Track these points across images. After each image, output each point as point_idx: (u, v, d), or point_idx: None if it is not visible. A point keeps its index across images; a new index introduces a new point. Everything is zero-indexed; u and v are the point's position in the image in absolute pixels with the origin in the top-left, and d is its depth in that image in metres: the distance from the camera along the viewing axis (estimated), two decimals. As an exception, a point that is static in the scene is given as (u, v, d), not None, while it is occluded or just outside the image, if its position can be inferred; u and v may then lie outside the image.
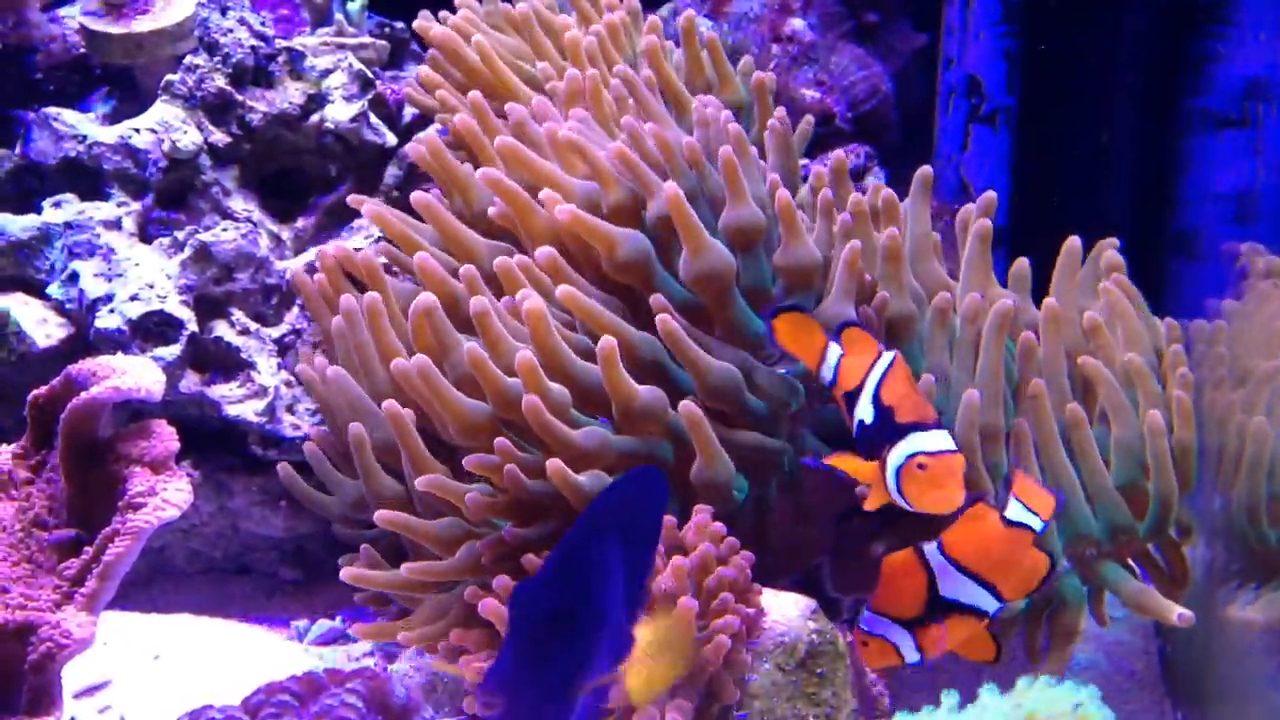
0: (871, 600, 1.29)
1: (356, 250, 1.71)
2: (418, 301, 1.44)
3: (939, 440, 1.26)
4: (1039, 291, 1.66)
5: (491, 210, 1.57)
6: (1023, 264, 1.66)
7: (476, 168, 1.62)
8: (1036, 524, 1.27)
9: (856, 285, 1.49)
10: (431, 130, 1.83)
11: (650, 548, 1.12)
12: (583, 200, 1.52)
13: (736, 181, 1.47)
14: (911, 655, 1.27)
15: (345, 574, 1.48)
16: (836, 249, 1.52)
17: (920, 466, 1.25)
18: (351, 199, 1.73)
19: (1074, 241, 1.65)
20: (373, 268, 1.59)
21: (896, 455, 1.26)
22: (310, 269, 1.77)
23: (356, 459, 1.50)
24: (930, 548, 1.28)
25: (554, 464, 1.34)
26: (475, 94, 1.68)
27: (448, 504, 1.43)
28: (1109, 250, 1.68)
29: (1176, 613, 1.40)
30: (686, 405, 1.38)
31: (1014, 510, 1.28)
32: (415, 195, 1.60)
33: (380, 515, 1.43)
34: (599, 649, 1.00)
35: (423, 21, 1.92)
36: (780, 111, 1.68)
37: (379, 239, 1.83)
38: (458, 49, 1.83)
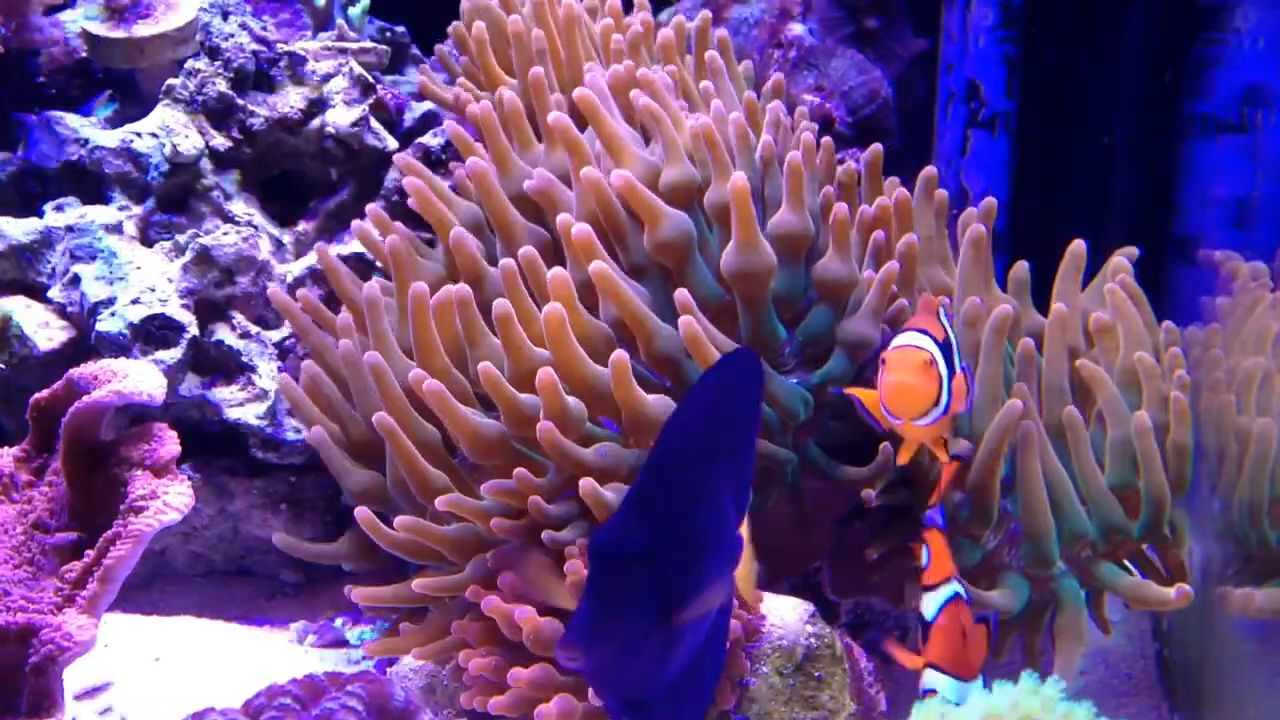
0: (950, 667, 1.27)
1: (356, 255, 1.72)
2: (448, 291, 1.45)
3: (910, 338, 1.27)
4: (1037, 295, 1.66)
5: (528, 185, 1.57)
6: (1021, 267, 1.66)
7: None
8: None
9: (886, 306, 1.50)
10: (451, 123, 1.83)
11: (750, 436, 1.04)
12: (643, 170, 1.51)
13: (799, 189, 1.47)
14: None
15: (354, 594, 1.49)
16: (866, 265, 1.53)
17: (882, 361, 1.27)
18: (398, 158, 1.71)
19: (1078, 244, 1.65)
20: (399, 254, 1.58)
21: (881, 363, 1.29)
22: (290, 288, 1.78)
23: (395, 449, 1.48)
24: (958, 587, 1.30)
25: (586, 484, 1.34)
26: (534, 71, 1.67)
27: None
28: (1115, 255, 1.68)
29: (1174, 591, 1.41)
30: None
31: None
32: (471, 161, 1.60)
33: (400, 521, 1.43)
34: (697, 574, 0.96)
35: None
36: (801, 112, 1.68)
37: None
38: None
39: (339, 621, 1.78)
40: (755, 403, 1.06)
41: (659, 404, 1.39)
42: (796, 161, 1.46)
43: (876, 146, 1.68)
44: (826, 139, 1.64)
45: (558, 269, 1.44)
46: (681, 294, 1.43)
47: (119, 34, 1.94)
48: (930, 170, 1.64)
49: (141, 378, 1.34)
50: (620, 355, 1.37)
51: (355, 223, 1.72)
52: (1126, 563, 1.54)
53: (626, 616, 0.90)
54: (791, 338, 1.52)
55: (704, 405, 0.99)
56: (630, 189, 1.46)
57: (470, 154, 1.64)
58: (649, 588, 0.91)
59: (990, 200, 1.66)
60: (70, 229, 1.79)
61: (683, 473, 0.96)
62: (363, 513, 1.46)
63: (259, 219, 1.89)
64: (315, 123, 1.94)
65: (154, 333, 1.74)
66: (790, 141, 1.57)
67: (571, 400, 1.38)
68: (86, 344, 1.75)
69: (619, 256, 1.52)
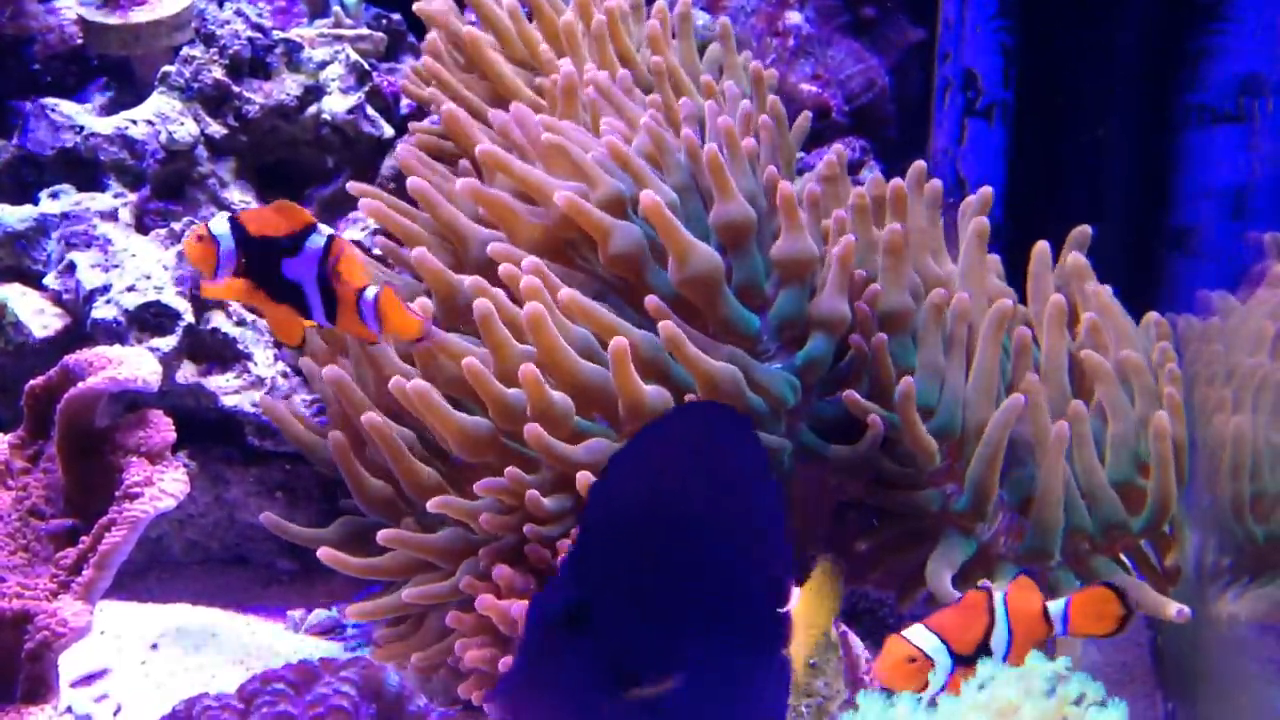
0: (933, 620, 1.25)
1: (354, 241, 1.72)
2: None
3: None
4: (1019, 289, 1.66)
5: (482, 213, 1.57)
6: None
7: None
8: (1057, 631, 1.28)
9: (849, 281, 1.50)
10: (425, 123, 1.83)
11: (766, 500, 0.91)
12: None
13: (723, 178, 1.46)
14: (936, 685, 1.22)
15: (349, 611, 1.49)
16: (831, 243, 1.52)
17: None
18: (350, 186, 1.72)
19: (1042, 245, 1.65)
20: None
21: None
22: None
23: (387, 456, 1.48)
24: (998, 596, 1.28)
25: (584, 477, 1.34)
26: (449, 107, 1.67)
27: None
28: (1073, 254, 1.67)
29: (1174, 609, 1.41)
30: None
31: (1054, 608, 1.28)
32: (412, 182, 1.60)
33: (383, 535, 1.43)
34: (665, 646, 0.88)
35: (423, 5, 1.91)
36: (773, 100, 1.67)
37: (375, 231, 1.83)
38: (458, 39, 1.82)
39: (334, 609, 1.78)
40: (755, 461, 0.92)
41: (656, 394, 1.39)
42: (713, 153, 1.45)
43: (831, 158, 1.66)
44: (765, 118, 1.61)
45: (528, 279, 1.42)
46: (651, 300, 1.43)
47: (114, 20, 1.93)
48: (920, 163, 1.63)
49: (137, 364, 1.34)
50: (619, 342, 1.37)
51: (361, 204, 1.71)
52: (1123, 557, 1.54)
53: (558, 683, 0.85)
54: (765, 323, 1.51)
55: (658, 458, 0.88)
56: (573, 207, 1.45)
57: (467, 145, 1.63)
58: (585, 654, 0.85)
59: (987, 190, 1.65)
60: (65, 216, 1.79)
61: (631, 534, 0.87)
62: (327, 553, 1.46)
63: (255, 206, 1.89)
64: (311, 110, 1.94)
65: (149, 320, 1.74)
66: (714, 130, 1.54)
67: (557, 395, 1.38)
68: (82, 331, 1.75)
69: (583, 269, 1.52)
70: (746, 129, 1.58)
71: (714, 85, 1.66)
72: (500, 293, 1.44)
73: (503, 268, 1.46)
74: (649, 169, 1.50)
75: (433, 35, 1.86)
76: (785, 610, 0.93)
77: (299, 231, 1.36)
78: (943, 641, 1.23)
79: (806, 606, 0.95)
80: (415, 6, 1.90)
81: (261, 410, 1.68)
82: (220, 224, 1.35)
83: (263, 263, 1.35)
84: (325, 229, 1.38)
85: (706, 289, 1.46)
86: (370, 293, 1.36)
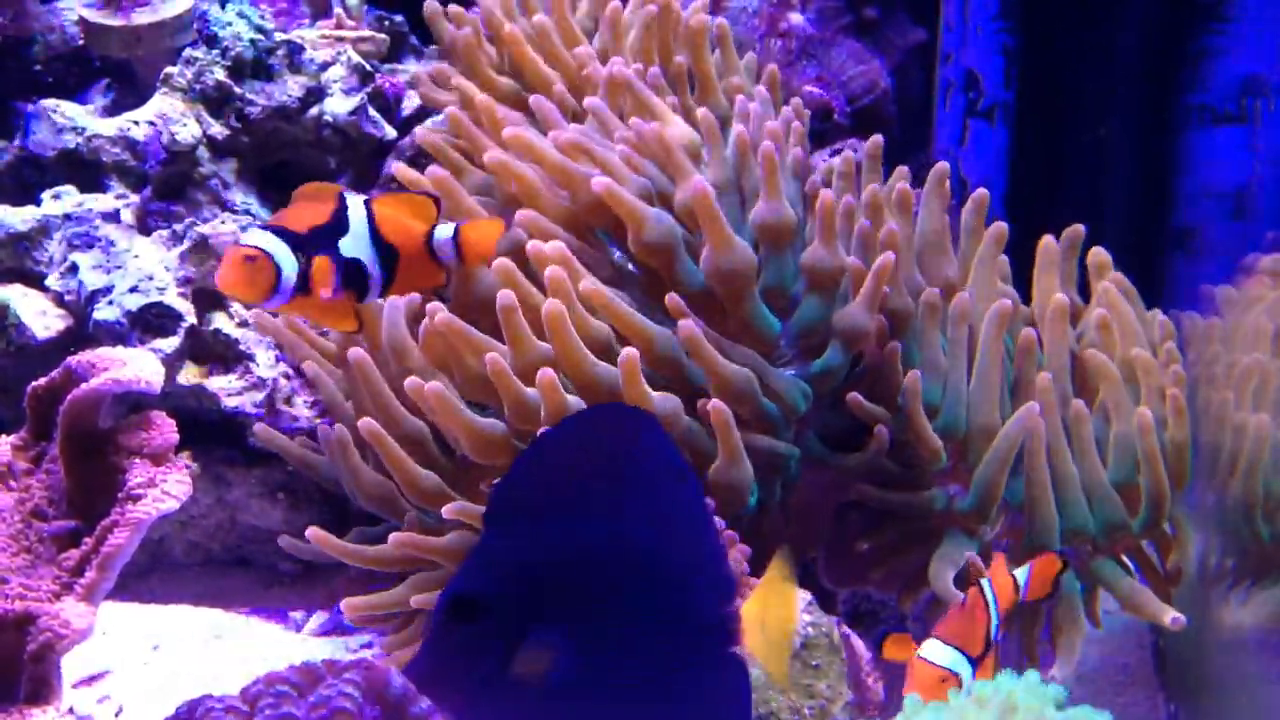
0: (944, 632, 1.25)
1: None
2: (432, 308, 1.44)
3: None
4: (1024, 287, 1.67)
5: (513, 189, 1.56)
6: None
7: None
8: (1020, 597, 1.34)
9: (880, 297, 1.49)
10: (431, 122, 1.82)
11: (694, 511, 0.92)
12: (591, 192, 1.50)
13: (774, 178, 1.46)
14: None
15: (344, 604, 1.48)
16: (858, 254, 1.53)
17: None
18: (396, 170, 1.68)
19: (1049, 241, 1.65)
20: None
21: None
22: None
23: (387, 463, 1.46)
24: (986, 584, 1.28)
25: None
26: (484, 97, 1.67)
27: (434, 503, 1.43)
28: (1095, 248, 1.68)
29: (1169, 616, 1.41)
30: (716, 405, 1.37)
31: (1020, 575, 1.35)
32: (431, 169, 1.58)
33: (394, 539, 1.42)
34: (562, 633, 0.88)
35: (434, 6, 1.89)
36: (797, 103, 1.67)
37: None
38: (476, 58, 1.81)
39: (337, 610, 1.78)
40: (669, 460, 0.92)
41: (665, 402, 1.39)
42: (769, 151, 1.44)
43: (877, 138, 1.67)
44: (796, 124, 1.62)
45: (553, 268, 1.42)
46: (672, 298, 1.42)
47: (116, 21, 1.93)
48: (943, 165, 1.63)
49: (140, 365, 1.34)
50: (630, 353, 1.36)
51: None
52: (1125, 558, 1.54)
53: (450, 672, 0.87)
54: (786, 329, 1.51)
55: (560, 456, 0.90)
56: (610, 193, 1.44)
57: (477, 146, 1.63)
58: (474, 644, 0.86)
59: (982, 192, 1.65)
60: (68, 217, 1.79)
61: (532, 529, 0.88)
62: (314, 532, 1.46)
63: (257, 208, 1.90)
64: (313, 111, 1.94)
65: (151, 321, 1.74)
66: (756, 131, 1.55)
67: (573, 399, 1.38)
68: (84, 332, 1.75)
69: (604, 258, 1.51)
70: (787, 134, 1.58)
71: (743, 87, 1.65)
72: (526, 283, 1.43)
73: (530, 245, 1.45)
74: (687, 162, 1.50)
75: (452, 38, 1.84)
76: (731, 607, 0.92)
77: (339, 207, 1.29)
78: (960, 651, 1.24)
79: (761, 602, 0.94)
80: (426, 9, 1.89)
81: (259, 439, 1.66)
82: (263, 237, 1.24)
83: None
84: (355, 195, 1.31)
85: (736, 285, 1.46)
86: (444, 230, 1.32)
